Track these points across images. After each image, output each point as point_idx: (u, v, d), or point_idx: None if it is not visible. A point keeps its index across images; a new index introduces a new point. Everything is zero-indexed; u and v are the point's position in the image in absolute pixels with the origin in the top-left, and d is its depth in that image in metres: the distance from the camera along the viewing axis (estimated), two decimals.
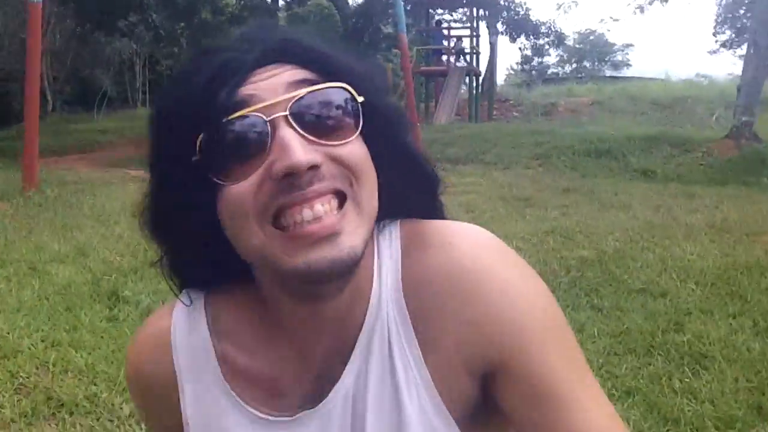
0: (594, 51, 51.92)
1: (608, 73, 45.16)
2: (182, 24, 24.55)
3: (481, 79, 24.76)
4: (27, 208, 7.91)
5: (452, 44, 24.93)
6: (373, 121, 0.78)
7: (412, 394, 0.80)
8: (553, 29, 33.06)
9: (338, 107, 0.76)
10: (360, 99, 0.77)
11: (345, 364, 0.83)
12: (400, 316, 0.82)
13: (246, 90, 0.74)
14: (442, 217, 0.90)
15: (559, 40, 34.91)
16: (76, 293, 4.66)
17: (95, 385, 3.26)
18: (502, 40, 32.46)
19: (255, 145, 0.73)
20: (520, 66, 48.89)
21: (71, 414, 3.02)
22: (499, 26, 30.83)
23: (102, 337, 3.89)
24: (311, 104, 0.74)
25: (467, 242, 0.81)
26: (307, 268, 0.73)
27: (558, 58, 50.27)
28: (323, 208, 0.73)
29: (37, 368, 3.47)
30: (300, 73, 0.76)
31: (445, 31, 25.85)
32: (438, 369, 0.80)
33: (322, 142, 0.74)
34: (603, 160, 12.73)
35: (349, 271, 0.76)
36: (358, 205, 0.75)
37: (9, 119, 28.22)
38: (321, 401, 0.83)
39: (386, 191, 0.81)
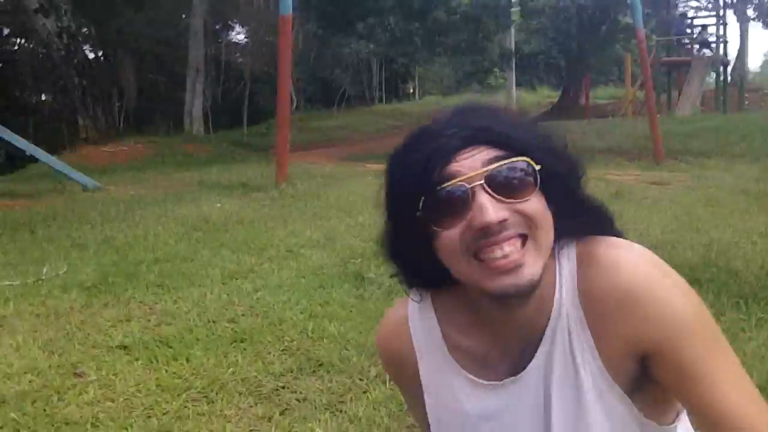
0: None
1: None
2: (416, 24, 25.32)
3: (729, 68, 23.48)
4: (281, 199, 8.87)
5: (695, 33, 23.89)
6: (550, 179, 1.09)
7: (587, 370, 1.12)
8: None
9: (520, 174, 1.07)
10: (537, 167, 1.08)
11: (536, 348, 1.16)
12: (577, 317, 1.13)
13: (453, 167, 1.07)
14: (611, 232, 1.19)
15: None
16: (327, 274, 5.30)
17: (347, 349, 3.80)
18: (754, 27, 30.49)
19: (461, 205, 1.06)
20: None
21: (328, 372, 3.57)
22: (750, 12, 28.99)
23: (351, 311, 4.45)
24: (500, 174, 1.06)
25: (630, 265, 1.09)
26: (499, 291, 1.06)
27: None
28: (510, 248, 1.05)
29: (299, 334, 4.08)
30: (491, 153, 1.08)
31: (689, 20, 24.76)
32: (606, 354, 1.11)
33: (509, 201, 1.06)
34: None
35: (530, 292, 1.09)
36: (536, 243, 1.07)
37: (257, 117, 30.68)
38: (519, 373, 1.18)
39: (563, 222, 1.13)
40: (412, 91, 46.64)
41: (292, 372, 3.60)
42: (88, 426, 3.07)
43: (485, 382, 1.21)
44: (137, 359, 3.79)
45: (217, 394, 3.36)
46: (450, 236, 1.07)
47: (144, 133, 23.38)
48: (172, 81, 29.12)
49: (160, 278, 5.19)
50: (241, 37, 38.51)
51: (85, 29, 29.45)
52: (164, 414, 3.18)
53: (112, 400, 3.31)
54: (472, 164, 1.06)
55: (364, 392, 3.33)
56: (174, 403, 3.28)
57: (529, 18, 32.33)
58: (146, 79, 28.70)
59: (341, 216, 7.48)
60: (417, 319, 1.28)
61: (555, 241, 1.12)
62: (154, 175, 13.35)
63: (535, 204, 1.07)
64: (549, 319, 1.14)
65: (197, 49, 23.79)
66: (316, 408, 3.23)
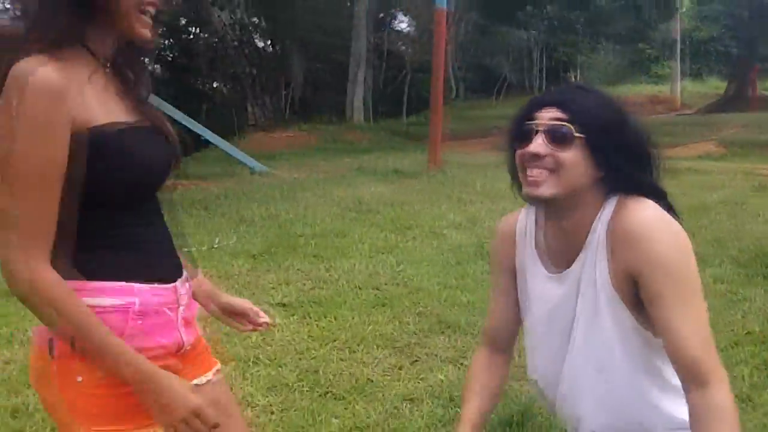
0: None
1: None
2: (577, 12, 25.15)
3: None
4: (431, 185, 9.43)
5: None
6: (597, 149, 1.53)
7: (602, 278, 1.56)
8: None
9: (566, 133, 1.53)
10: (579, 135, 1.52)
11: (577, 255, 1.61)
12: (603, 241, 1.56)
13: (535, 114, 1.56)
14: (651, 193, 1.59)
15: None
16: (465, 253, 5.78)
17: (474, 315, 4.26)
18: None
19: (528, 137, 1.54)
20: None
21: (455, 332, 4.07)
22: None
23: (482, 284, 4.89)
24: (553, 129, 1.53)
25: (644, 217, 1.52)
26: (525, 196, 1.55)
27: None
28: (536, 172, 1.52)
29: (433, 301, 4.60)
30: (559, 114, 1.54)
31: None
32: (614, 271, 1.54)
33: (552, 147, 1.52)
34: None
35: (550, 204, 1.56)
36: (558, 178, 1.52)
37: (418, 106, 31.28)
38: (568, 269, 1.63)
39: (611, 181, 1.56)
40: (573, 80, 45.95)
41: (423, 331, 4.12)
42: (250, 363, 3.71)
43: (550, 274, 1.67)
44: (293, 315, 4.43)
45: (358, 345, 3.93)
46: (520, 154, 1.56)
47: (308, 121, 24.60)
48: (337, 70, 30.26)
49: (316, 250, 5.85)
50: (405, 26, 39.21)
51: (255, 19, 31.20)
52: (312, 358, 3.78)
53: (270, 345, 3.94)
54: (544, 117, 1.55)
55: None
56: (321, 350, 3.88)
57: (700, 3, 31.23)
58: (312, 69, 29.96)
59: (485, 202, 7.92)
60: (523, 219, 1.74)
61: (605, 191, 1.58)
62: (316, 160, 14.24)
63: (570, 156, 1.52)
64: (588, 237, 1.59)
65: (360, 40, 24.74)
66: (441, 361, 3.74)
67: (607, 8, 24.88)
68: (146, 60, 1.61)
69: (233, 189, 9.57)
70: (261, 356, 3.79)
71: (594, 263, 1.57)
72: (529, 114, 1.57)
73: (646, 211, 1.53)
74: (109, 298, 1.39)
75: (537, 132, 1.53)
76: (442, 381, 3.49)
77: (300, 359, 3.78)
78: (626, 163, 1.56)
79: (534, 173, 1.53)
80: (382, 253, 5.81)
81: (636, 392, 1.60)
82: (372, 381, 3.51)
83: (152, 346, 1.43)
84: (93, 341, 1.34)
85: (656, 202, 1.56)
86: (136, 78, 1.49)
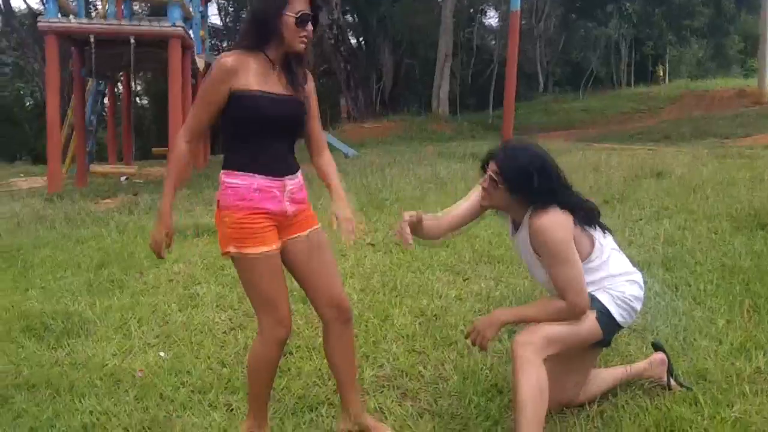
0: None
1: None
2: (656, 9, 25.79)
3: None
4: None
5: None
6: (518, 190, 2.91)
7: (525, 243, 3.00)
8: None
9: (498, 181, 2.92)
10: (503, 185, 2.92)
11: (519, 228, 3.10)
12: (527, 228, 2.95)
13: (488, 164, 3.02)
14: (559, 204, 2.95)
15: None
16: None
17: (513, 252, 5.65)
18: None
19: (483, 175, 3.03)
20: None
21: (498, 263, 5.49)
22: None
23: None
24: (490, 178, 2.94)
25: (539, 221, 2.86)
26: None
27: None
28: (484, 194, 3.02)
29: (483, 244, 6.00)
30: (495, 168, 2.94)
31: None
32: (530, 241, 2.96)
33: (490, 186, 2.95)
34: None
35: (487, 208, 3.14)
36: (492, 199, 2.99)
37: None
38: (517, 232, 3.10)
39: (529, 200, 2.94)
40: (661, 74, 45.94)
41: (475, 261, 5.55)
42: (347, 277, 5.20)
43: (512, 234, 3.14)
44: (378, 251, 5.94)
45: (426, 269, 5.39)
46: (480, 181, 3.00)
47: (397, 113, 26.19)
48: (425, 65, 31.69)
49: (398, 210, 7.33)
50: (495, 21, 40.11)
51: (349, 17, 32.83)
52: (393, 275, 5.25)
53: (362, 268, 5.44)
54: (491, 167, 2.94)
55: None
56: (399, 271, 5.35)
57: None
58: (402, 64, 31.44)
59: None
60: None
61: (527, 204, 2.93)
62: (402, 148, 15.82)
63: (497, 193, 2.94)
64: (522, 222, 3.01)
65: (446, 36, 26.11)
66: (484, 279, 5.14)
67: (686, 3, 25.42)
68: (303, 63, 2.99)
69: None
70: (355, 273, 5.29)
71: (525, 236, 2.99)
72: (487, 161, 2.97)
73: (541, 218, 2.86)
74: (239, 180, 2.80)
75: (484, 176, 2.96)
76: (482, 288, 4.90)
77: (383, 276, 5.26)
78: (537, 195, 2.90)
79: (483, 193, 3.01)
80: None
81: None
82: (434, 288, 4.95)
83: (263, 207, 2.80)
84: (166, 185, 2.84)
85: (561, 208, 2.89)
86: (296, 73, 2.94)
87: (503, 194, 2.93)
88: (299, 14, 2.77)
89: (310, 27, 2.82)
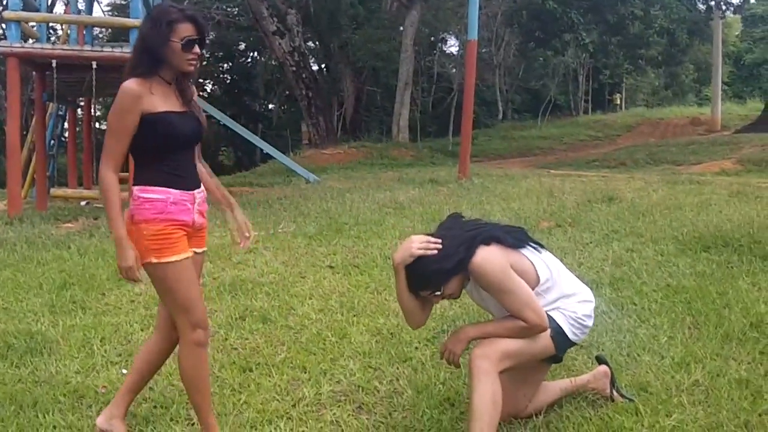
0: None
1: None
2: (611, 38, 26.45)
3: None
4: (457, 190, 11.10)
5: None
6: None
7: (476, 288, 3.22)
8: None
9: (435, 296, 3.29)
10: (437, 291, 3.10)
11: None
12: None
13: None
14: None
15: None
16: None
17: None
18: None
19: None
20: None
21: None
22: None
23: None
24: None
25: (476, 258, 2.99)
26: None
27: None
28: None
29: None
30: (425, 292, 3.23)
31: None
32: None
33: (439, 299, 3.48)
34: None
35: None
36: None
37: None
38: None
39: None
40: (618, 102, 46.98)
41: None
42: (306, 298, 5.33)
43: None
44: (337, 273, 6.06)
45: (383, 290, 5.53)
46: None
47: (358, 139, 26.41)
48: (387, 92, 32.02)
49: (357, 233, 7.50)
50: (455, 49, 40.67)
51: (311, 43, 33.06)
52: (352, 297, 5.38)
53: (321, 289, 5.57)
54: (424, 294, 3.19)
55: None
56: (357, 293, 5.48)
57: (752, 26, 32.14)
58: (363, 91, 31.71)
59: (499, 202, 9.46)
60: None
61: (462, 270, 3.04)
62: (363, 173, 16.06)
63: (443, 294, 3.09)
64: None
65: (407, 64, 26.45)
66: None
67: (641, 34, 26.09)
68: (191, 81, 3.15)
69: (291, 193, 11.39)
70: (314, 294, 5.42)
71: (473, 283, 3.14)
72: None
73: (473, 261, 2.97)
74: (156, 194, 2.96)
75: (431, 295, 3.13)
76: (436, 308, 5.04)
77: (341, 296, 5.39)
78: (458, 265, 2.99)
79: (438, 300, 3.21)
80: (409, 236, 7.41)
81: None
82: (390, 308, 5.09)
83: (178, 218, 2.98)
84: (110, 217, 2.94)
85: (486, 244, 3.03)
86: (186, 90, 3.11)
87: (449, 288, 3.09)
88: (184, 40, 2.95)
89: (197, 49, 3.01)
